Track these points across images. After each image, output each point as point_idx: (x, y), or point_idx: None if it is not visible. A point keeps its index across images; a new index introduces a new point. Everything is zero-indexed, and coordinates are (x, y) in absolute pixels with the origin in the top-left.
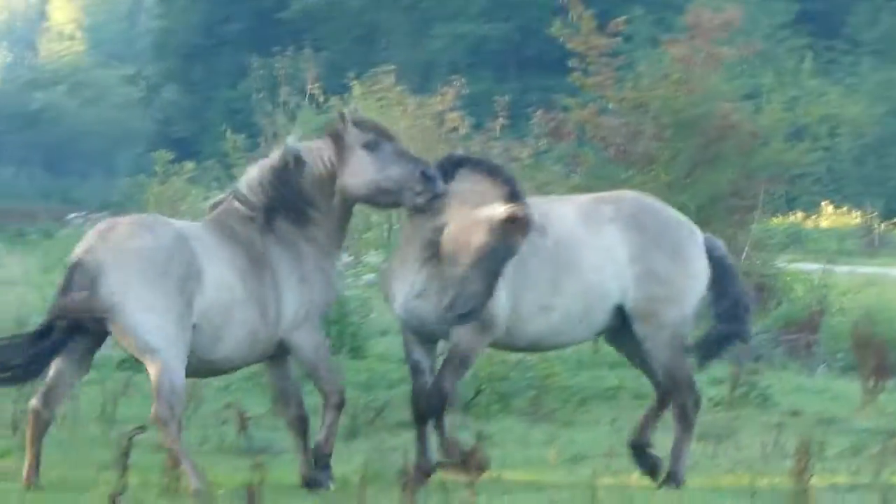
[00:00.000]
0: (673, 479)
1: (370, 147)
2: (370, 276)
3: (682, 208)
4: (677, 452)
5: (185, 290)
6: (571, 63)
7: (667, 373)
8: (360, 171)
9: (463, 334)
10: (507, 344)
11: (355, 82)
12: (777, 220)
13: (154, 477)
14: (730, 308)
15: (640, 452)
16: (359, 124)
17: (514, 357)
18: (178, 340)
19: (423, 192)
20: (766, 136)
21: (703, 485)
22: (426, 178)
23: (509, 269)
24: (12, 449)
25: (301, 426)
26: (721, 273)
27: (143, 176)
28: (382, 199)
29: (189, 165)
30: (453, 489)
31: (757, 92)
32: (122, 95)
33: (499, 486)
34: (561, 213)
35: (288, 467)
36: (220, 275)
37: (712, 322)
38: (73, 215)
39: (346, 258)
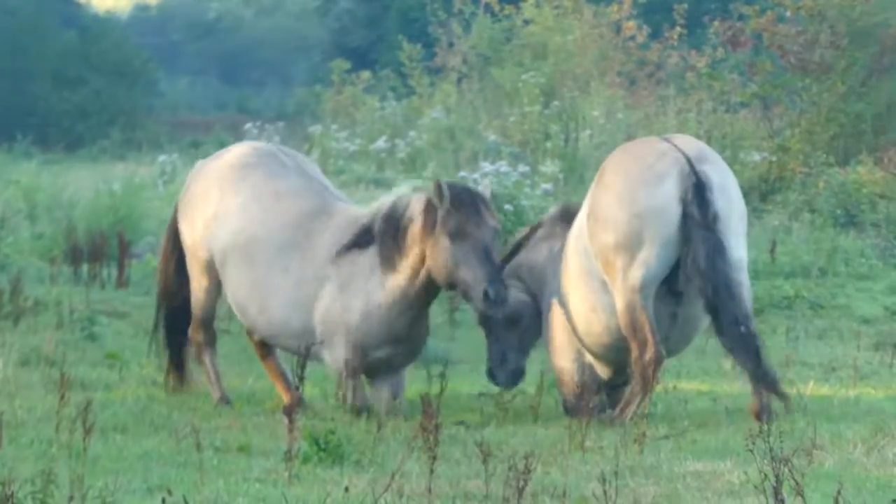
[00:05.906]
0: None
1: (454, 237)
2: (547, 186)
3: (858, 117)
4: None
5: None
6: None
7: None
8: (439, 258)
9: None
10: None
11: None
12: None
13: (330, 388)
14: None
15: None
16: (456, 201)
17: None
18: None
19: (482, 307)
20: None
21: (885, 394)
22: (486, 298)
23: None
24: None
25: None
26: None
27: (319, 86)
28: (451, 289)
29: (365, 75)
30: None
31: None
32: (299, 4)
33: (675, 396)
34: None
35: (464, 377)
36: None
37: None
38: (248, 125)
39: (522, 168)
